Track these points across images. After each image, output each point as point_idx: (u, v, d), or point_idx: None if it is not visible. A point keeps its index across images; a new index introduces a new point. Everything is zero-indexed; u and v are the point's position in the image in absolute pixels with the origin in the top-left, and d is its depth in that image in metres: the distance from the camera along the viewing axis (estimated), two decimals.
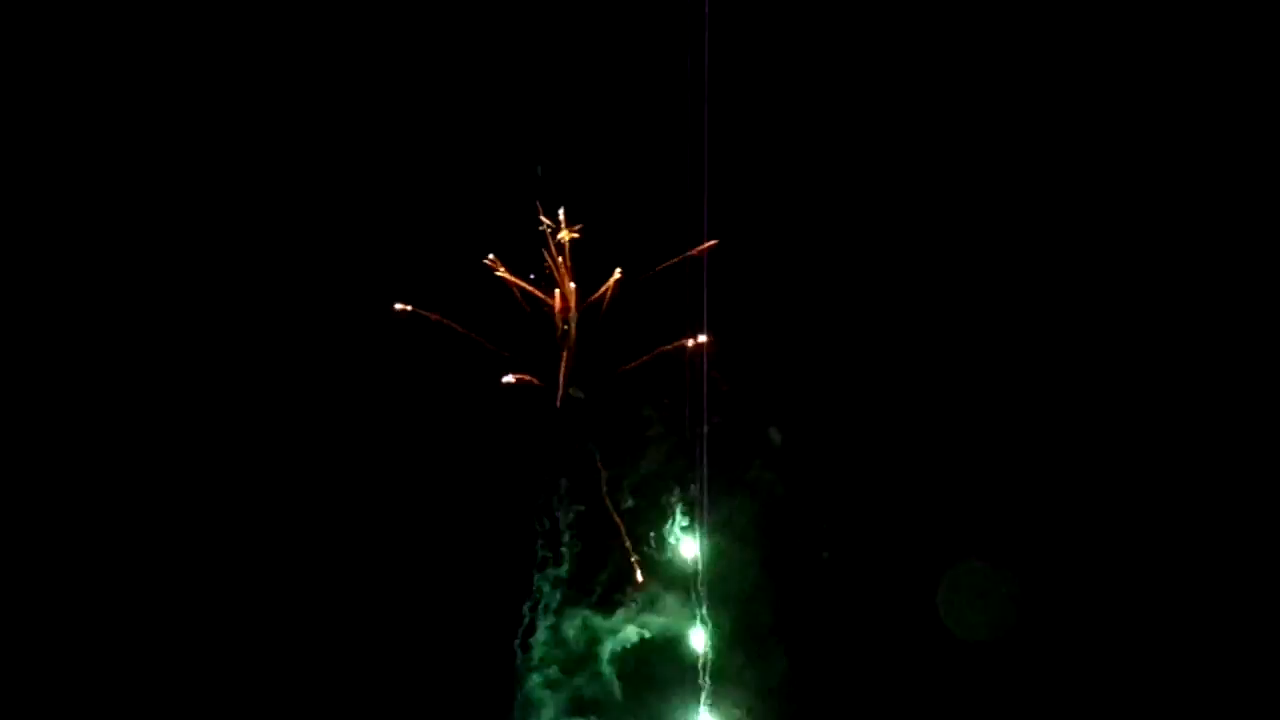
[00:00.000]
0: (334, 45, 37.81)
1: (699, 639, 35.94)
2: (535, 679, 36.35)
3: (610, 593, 36.57)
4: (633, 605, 36.43)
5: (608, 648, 36.35)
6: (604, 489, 36.62)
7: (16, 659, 36.07)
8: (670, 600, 36.31)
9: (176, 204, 38.17)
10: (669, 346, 36.36)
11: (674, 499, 36.57)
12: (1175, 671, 35.28)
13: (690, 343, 36.08)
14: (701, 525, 36.26)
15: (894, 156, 37.43)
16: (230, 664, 36.25)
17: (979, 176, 37.32)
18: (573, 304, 36.95)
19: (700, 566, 36.06)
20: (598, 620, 36.43)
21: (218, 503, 36.95)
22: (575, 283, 36.92)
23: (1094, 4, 37.62)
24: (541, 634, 36.45)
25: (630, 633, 36.31)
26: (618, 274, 36.62)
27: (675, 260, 36.24)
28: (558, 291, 37.02)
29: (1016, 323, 37.37)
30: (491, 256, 36.71)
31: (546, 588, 36.63)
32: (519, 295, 36.97)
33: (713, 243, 35.86)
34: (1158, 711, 35.30)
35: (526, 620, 36.55)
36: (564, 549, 36.75)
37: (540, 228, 36.58)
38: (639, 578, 36.34)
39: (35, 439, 37.04)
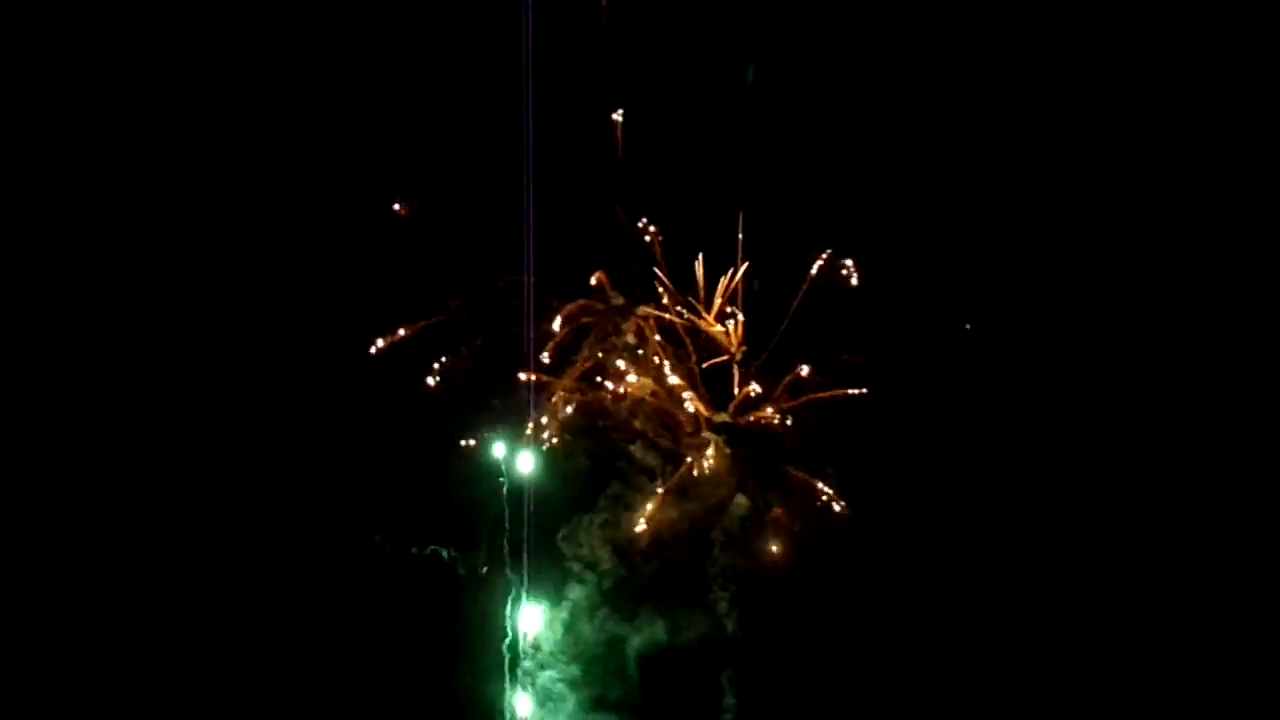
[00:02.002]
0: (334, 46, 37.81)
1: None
2: (549, 675, 36.98)
3: (635, 598, 37.14)
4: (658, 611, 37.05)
5: (628, 649, 37.09)
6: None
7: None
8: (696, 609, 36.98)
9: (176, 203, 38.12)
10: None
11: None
12: (1174, 672, 35.37)
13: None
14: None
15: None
16: (238, 663, 36.59)
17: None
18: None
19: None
20: (620, 623, 37.12)
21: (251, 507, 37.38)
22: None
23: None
24: (560, 634, 37.15)
25: (653, 635, 36.93)
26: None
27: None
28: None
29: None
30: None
31: (575, 593, 37.26)
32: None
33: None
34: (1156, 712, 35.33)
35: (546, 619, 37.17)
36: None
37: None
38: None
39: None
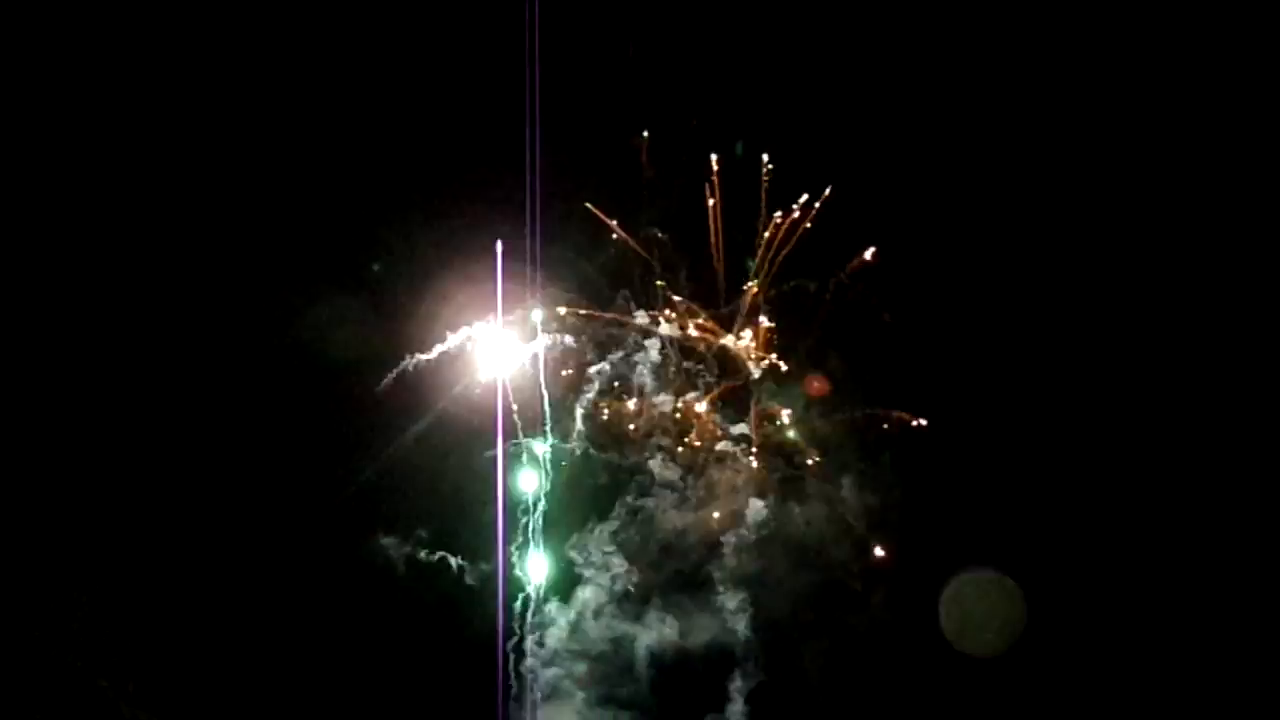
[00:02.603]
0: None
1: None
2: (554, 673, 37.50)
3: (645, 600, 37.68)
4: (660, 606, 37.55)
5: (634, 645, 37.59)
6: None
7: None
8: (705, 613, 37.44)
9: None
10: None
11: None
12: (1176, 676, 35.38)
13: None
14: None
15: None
16: (243, 662, 36.68)
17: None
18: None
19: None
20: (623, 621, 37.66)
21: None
22: None
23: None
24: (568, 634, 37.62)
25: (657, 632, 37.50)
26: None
27: None
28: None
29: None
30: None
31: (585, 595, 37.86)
32: None
33: None
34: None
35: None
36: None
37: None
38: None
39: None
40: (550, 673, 37.39)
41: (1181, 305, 37.17)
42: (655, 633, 37.38)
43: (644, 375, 37.60)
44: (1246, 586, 35.56)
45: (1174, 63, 36.75)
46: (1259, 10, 36.30)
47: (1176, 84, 36.86)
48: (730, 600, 37.03)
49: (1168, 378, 36.95)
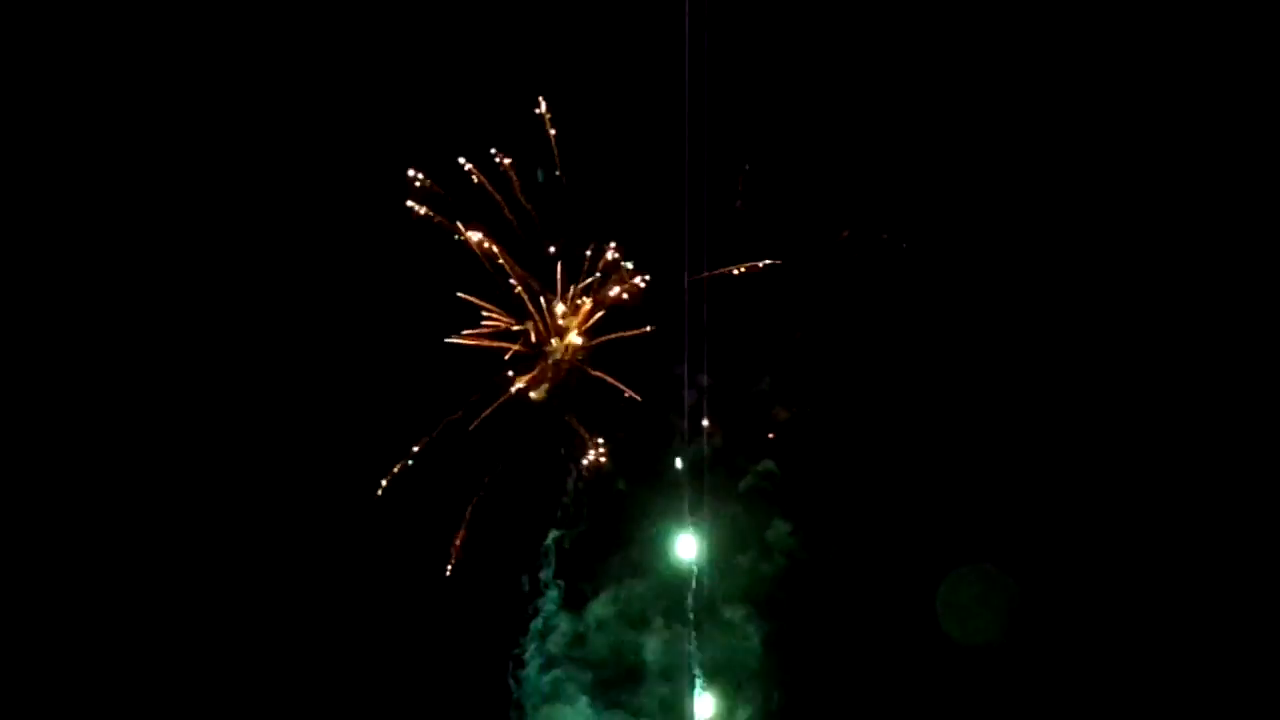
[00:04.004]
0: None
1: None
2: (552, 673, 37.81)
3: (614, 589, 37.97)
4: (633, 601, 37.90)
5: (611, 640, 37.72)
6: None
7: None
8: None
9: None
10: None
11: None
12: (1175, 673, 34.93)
13: None
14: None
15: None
16: (244, 663, 37.05)
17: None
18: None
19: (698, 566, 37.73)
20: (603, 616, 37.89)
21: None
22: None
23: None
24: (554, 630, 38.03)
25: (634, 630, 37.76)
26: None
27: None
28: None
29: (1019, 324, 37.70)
30: None
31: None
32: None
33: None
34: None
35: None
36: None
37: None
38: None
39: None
40: None
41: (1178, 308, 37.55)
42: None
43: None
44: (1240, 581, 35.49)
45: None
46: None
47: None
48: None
49: (1161, 379, 37.20)
